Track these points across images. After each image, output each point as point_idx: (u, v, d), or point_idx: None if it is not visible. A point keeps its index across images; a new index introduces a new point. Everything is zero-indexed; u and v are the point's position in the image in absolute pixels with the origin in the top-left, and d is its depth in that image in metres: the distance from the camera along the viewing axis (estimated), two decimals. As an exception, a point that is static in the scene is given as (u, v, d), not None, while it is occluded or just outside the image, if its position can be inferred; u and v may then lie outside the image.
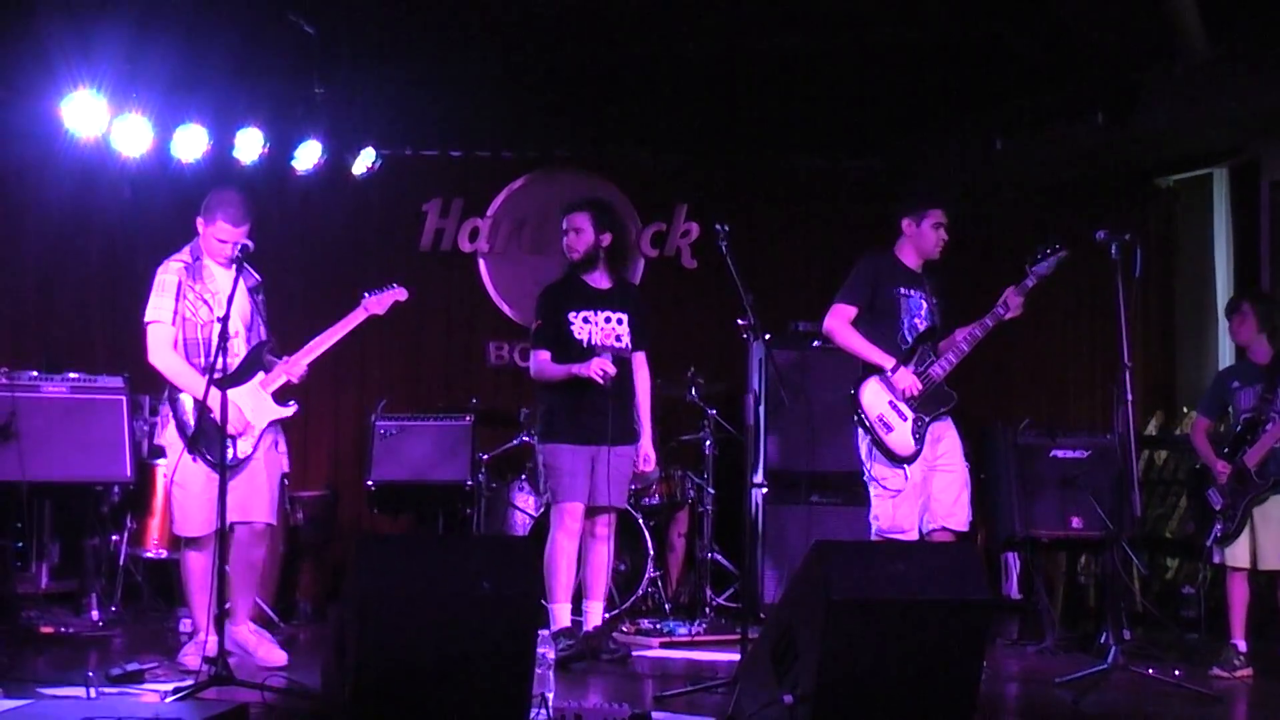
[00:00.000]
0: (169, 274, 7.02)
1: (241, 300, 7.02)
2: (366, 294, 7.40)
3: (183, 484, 6.97)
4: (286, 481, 7.80)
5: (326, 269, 10.19)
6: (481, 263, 10.92)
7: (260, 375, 7.13)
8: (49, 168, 9.44)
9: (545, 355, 7.57)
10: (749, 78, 9.74)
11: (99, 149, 8.90)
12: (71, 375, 8.46)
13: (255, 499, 7.09)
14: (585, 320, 7.57)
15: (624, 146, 10.98)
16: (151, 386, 9.05)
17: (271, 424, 7.19)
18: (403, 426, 9.37)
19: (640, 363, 7.77)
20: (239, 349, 7.07)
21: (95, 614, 8.31)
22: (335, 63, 9.00)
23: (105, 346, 10.01)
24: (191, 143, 9.01)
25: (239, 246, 6.82)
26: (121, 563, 8.72)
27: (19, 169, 9.81)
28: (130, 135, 8.81)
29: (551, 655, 5.79)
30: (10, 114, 9.30)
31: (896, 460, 7.28)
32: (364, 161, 9.67)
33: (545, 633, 5.68)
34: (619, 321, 7.65)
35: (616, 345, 7.60)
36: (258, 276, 7.24)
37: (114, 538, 8.71)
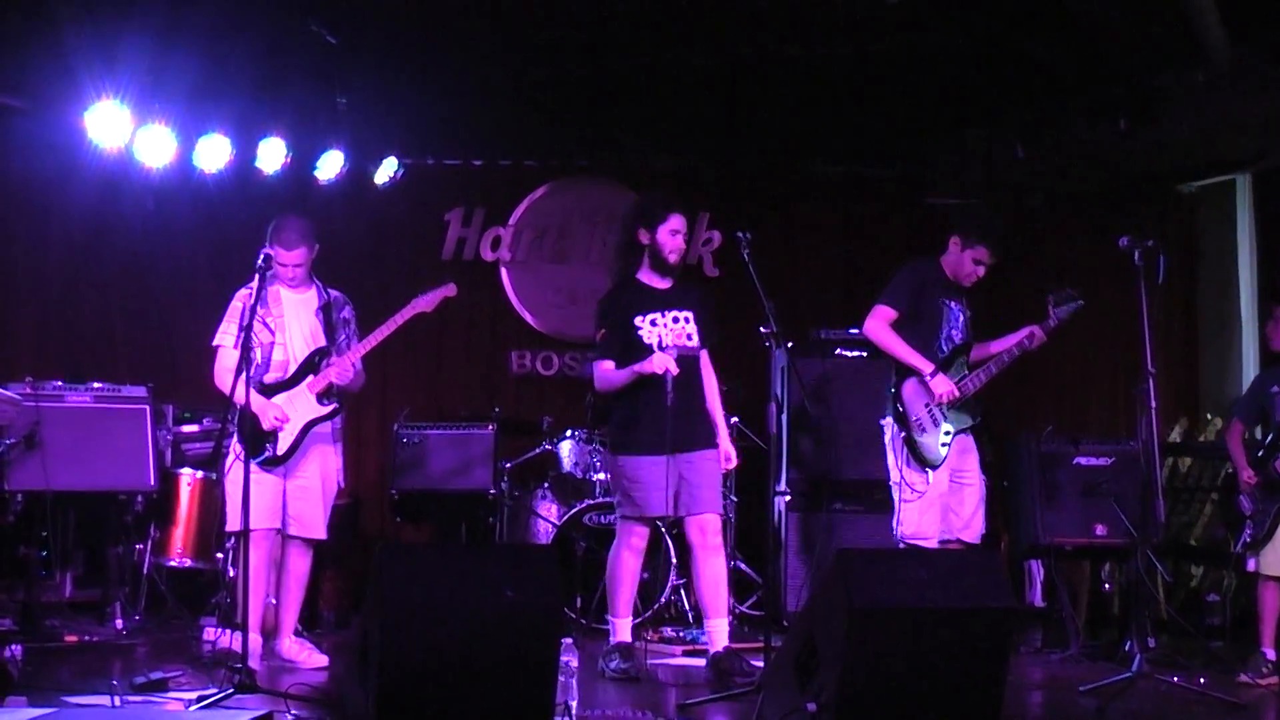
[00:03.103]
0: (237, 300, 7.29)
1: (307, 320, 7.39)
2: (419, 295, 7.51)
3: (236, 481, 7.04)
4: None
5: (349, 278, 10.13)
6: (504, 272, 10.93)
7: (310, 378, 7.33)
8: (73, 178, 9.49)
9: (609, 365, 7.23)
10: (770, 85, 9.73)
11: (122, 159, 8.95)
12: (95, 385, 8.51)
13: (312, 514, 7.39)
14: (653, 324, 7.23)
15: (645, 155, 10.98)
16: (175, 396, 9.14)
17: (328, 436, 7.44)
18: (425, 435, 9.38)
19: (705, 361, 7.44)
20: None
21: (119, 622, 8.32)
22: (357, 72, 9.03)
23: (128, 356, 10.06)
24: (214, 153, 9.04)
25: (262, 256, 6.92)
26: (145, 571, 8.73)
27: (43, 179, 9.85)
28: (153, 145, 8.85)
29: (575, 663, 5.79)
30: (34, 125, 9.37)
31: (924, 463, 7.40)
32: (386, 171, 9.71)
33: (568, 640, 5.66)
34: (687, 320, 7.31)
35: (688, 345, 7.27)
36: (330, 295, 7.53)
37: (138, 546, 8.72)
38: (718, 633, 7.26)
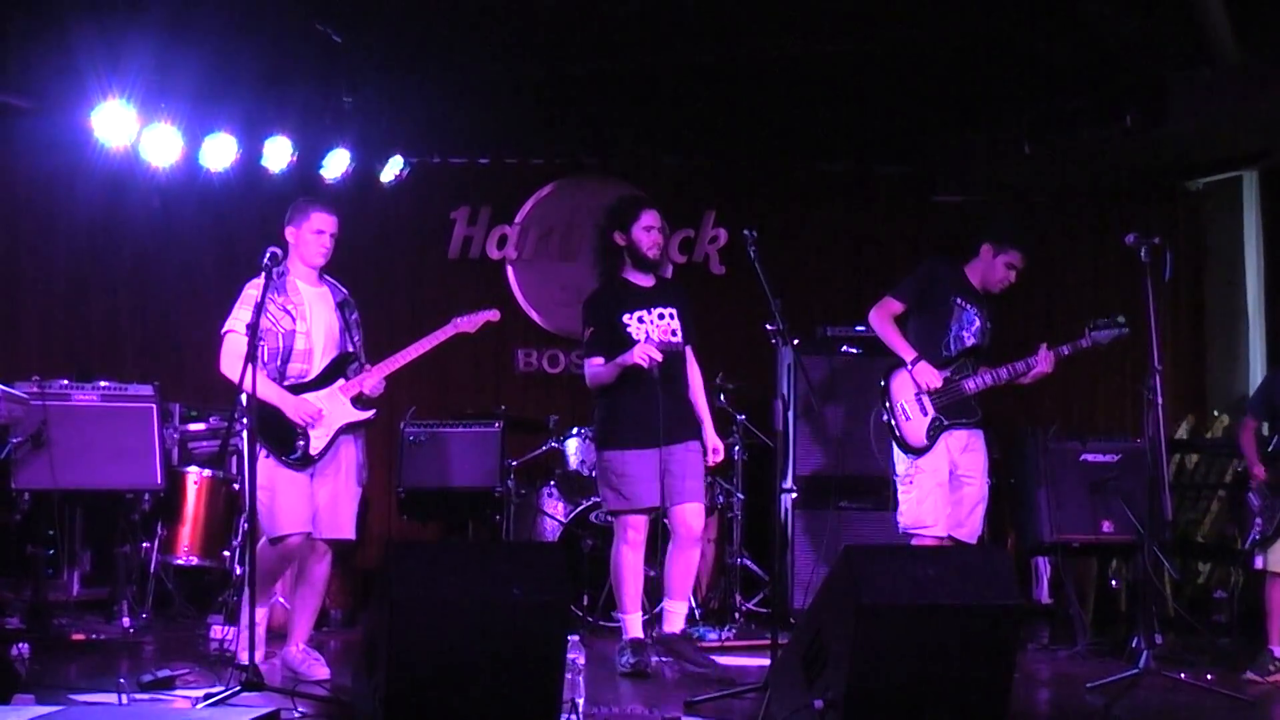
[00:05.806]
0: (253, 288, 6.89)
1: (327, 314, 7.12)
2: (459, 316, 7.36)
3: (267, 486, 6.82)
4: None
5: (355, 277, 10.14)
6: (510, 270, 10.92)
7: (340, 381, 7.05)
8: (79, 178, 9.51)
9: (599, 361, 7.37)
10: (776, 83, 9.74)
11: (128, 159, 8.96)
12: (102, 384, 8.49)
13: (339, 514, 7.02)
14: (640, 320, 7.40)
15: (651, 153, 10.97)
16: (181, 394, 9.15)
17: (355, 435, 7.13)
18: (432, 433, 9.38)
19: (689, 356, 7.61)
20: (322, 362, 7.07)
21: (126, 621, 8.32)
22: (363, 71, 9.04)
23: (135, 355, 10.07)
24: (220, 152, 9.05)
25: (269, 254, 6.76)
26: (152, 570, 8.73)
27: (49, 179, 9.86)
28: (159, 145, 8.87)
29: (581, 660, 5.79)
30: (41, 125, 9.38)
31: (908, 449, 7.50)
32: (392, 169, 9.71)
33: (575, 638, 5.66)
34: (671, 316, 7.49)
35: (673, 341, 7.44)
36: (344, 291, 7.29)
37: (145, 545, 8.72)
38: (676, 614, 7.41)
